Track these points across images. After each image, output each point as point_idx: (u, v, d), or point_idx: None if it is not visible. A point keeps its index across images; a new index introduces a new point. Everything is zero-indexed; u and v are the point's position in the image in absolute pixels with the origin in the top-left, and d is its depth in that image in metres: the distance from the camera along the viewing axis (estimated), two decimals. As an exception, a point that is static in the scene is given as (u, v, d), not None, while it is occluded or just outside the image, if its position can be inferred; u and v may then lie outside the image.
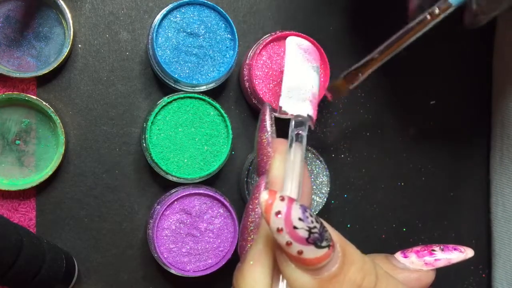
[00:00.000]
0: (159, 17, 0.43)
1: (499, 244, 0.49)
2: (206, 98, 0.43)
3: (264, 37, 0.45)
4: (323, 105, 0.48)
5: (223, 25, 0.44)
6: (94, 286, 0.45)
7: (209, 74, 0.44)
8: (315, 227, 0.24)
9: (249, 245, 0.29)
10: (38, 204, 0.44)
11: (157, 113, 0.42)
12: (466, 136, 0.51)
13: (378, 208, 0.49)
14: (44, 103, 0.42)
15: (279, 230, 0.24)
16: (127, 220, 0.45)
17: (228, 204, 0.44)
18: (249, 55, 0.45)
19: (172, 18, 0.43)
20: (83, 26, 0.45)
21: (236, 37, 0.44)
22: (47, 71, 0.43)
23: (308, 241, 0.24)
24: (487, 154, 0.51)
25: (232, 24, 0.44)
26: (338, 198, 0.49)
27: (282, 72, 0.44)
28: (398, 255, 0.33)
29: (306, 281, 0.25)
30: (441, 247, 0.33)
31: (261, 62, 0.44)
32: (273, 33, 0.44)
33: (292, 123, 0.32)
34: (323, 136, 0.48)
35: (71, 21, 0.43)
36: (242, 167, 0.46)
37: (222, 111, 0.44)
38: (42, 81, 0.44)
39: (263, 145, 0.32)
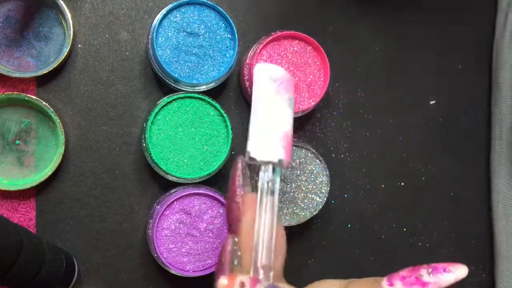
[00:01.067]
0: (159, 17, 0.43)
1: (500, 243, 0.49)
2: (206, 98, 0.43)
3: (264, 37, 0.44)
4: (323, 105, 0.48)
5: (223, 25, 0.44)
6: (94, 286, 0.45)
7: (209, 74, 0.44)
8: None
9: None
10: (38, 204, 0.44)
11: (157, 113, 0.42)
12: (466, 136, 0.51)
13: (378, 208, 0.49)
14: (44, 103, 0.42)
15: None
16: (127, 220, 0.45)
17: (228, 204, 0.44)
18: (249, 55, 0.45)
19: (172, 18, 0.43)
20: (83, 26, 0.45)
21: (236, 37, 0.44)
22: (47, 71, 0.43)
23: None
24: (487, 154, 0.51)
25: (232, 24, 0.44)
26: (338, 198, 0.49)
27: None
28: (384, 283, 0.30)
29: None
30: (429, 270, 0.30)
31: (261, 62, 0.44)
32: (273, 33, 0.44)
33: (261, 170, 0.29)
34: (323, 136, 0.48)
35: (71, 21, 0.43)
36: (242, 167, 0.46)
37: (222, 111, 0.44)
38: (42, 81, 0.44)
39: (233, 209, 0.29)
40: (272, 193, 0.29)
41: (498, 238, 0.49)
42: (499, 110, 0.49)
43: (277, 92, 0.32)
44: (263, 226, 0.27)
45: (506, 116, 0.48)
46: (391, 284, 0.30)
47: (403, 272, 0.30)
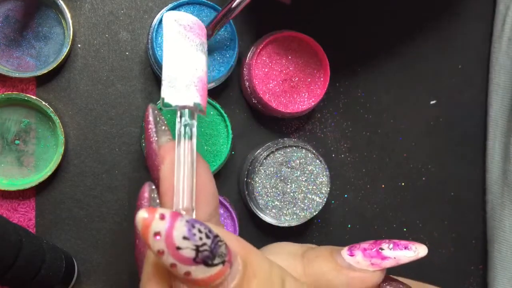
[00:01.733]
0: (159, 16, 0.43)
1: (492, 244, 0.49)
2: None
3: (264, 36, 0.44)
4: (323, 105, 0.48)
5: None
6: (94, 286, 0.45)
7: (209, 74, 0.44)
8: (204, 244, 0.21)
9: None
10: (37, 204, 0.44)
11: (160, 108, 0.42)
12: (466, 136, 0.51)
13: (378, 208, 0.49)
14: (43, 103, 0.42)
15: (160, 253, 0.21)
16: (127, 220, 0.45)
17: (228, 204, 0.44)
18: (249, 55, 0.44)
19: (172, 18, 0.43)
20: (82, 26, 0.45)
21: (236, 37, 0.43)
22: (46, 71, 0.43)
23: (195, 261, 0.21)
24: (487, 153, 0.51)
25: (232, 24, 0.44)
26: (338, 198, 0.49)
27: (282, 71, 0.45)
28: (345, 252, 0.30)
29: None
30: (390, 244, 0.29)
31: (261, 62, 0.44)
32: (273, 33, 0.44)
33: (178, 115, 0.28)
34: (323, 136, 0.48)
35: (70, 21, 0.43)
36: (242, 167, 0.46)
37: (222, 111, 0.43)
38: (42, 81, 0.44)
39: (150, 155, 0.28)
40: (190, 137, 0.27)
41: (490, 238, 0.49)
42: (494, 110, 0.49)
43: (186, 37, 0.31)
44: (183, 171, 0.26)
45: (501, 117, 0.49)
46: (351, 254, 0.30)
47: (365, 244, 0.30)
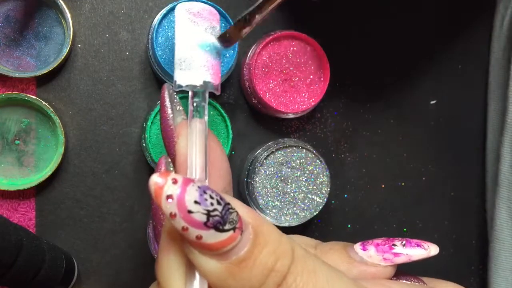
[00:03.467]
0: (158, 17, 0.43)
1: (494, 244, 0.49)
2: (206, 98, 0.43)
3: (264, 36, 0.44)
4: (323, 105, 0.48)
5: (223, 24, 0.44)
6: (94, 286, 0.45)
7: (209, 74, 0.44)
8: (215, 209, 0.22)
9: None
10: (37, 204, 0.44)
11: (157, 113, 0.42)
12: (466, 136, 0.51)
13: (379, 208, 0.49)
14: (43, 103, 0.42)
15: (172, 216, 0.22)
16: (127, 220, 0.45)
17: (228, 204, 0.44)
18: (249, 55, 0.44)
19: (172, 18, 0.43)
20: (82, 26, 0.45)
21: (236, 37, 0.43)
22: (46, 71, 0.43)
23: (206, 225, 0.22)
24: (487, 153, 0.51)
25: (232, 24, 0.43)
26: (338, 198, 0.49)
27: (282, 71, 0.45)
28: (357, 247, 0.30)
29: (212, 267, 0.23)
30: (403, 242, 0.30)
31: (261, 62, 0.44)
32: (273, 33, 0.44)
33: (190, 95, 0.30)
34: (323, 136, 0.48)
35: (70, 21, 0.43)
36: (242, 167, 0.46)
37: (222, 111, 0.43)
38: (42, 81, 0.44)
39: (167, 131, 0.29)
40: (202, 115, 0.29)
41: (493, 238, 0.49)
42: (493, 109, 0.49)
43: (194, 23, 0.32)
44: (195, 146, 0.27)
45: (497, 115, 0.49)
46: (364, 249, 0.30)
47: (378, 240, 0.31)
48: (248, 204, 0.44)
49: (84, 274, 0.44)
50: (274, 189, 0.44)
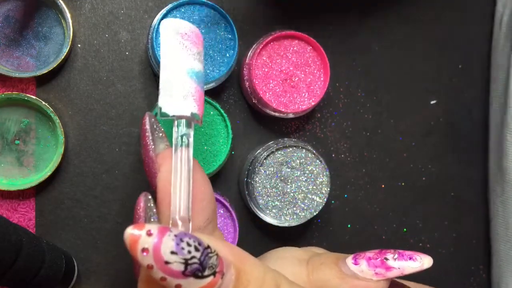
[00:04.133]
0: (159, 16, 0.43)
1: (496, 243, 0.49)
2: (206, 98, 0.43)
3: (264, 36, 0.44)
4: (323, 105, 0.48)
5: (223, 25, 0.44)
6: (94, 286, 0.45)
7: (209, 74, 0.44)
8: (193, 257, 0.22)
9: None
10: (37, 204, 0.44)
11: (157, 113, 0.42)
12: (466, 136, 0.51)
13: (379, 208, 0.49)
14: (43, 103, 0.42)
15: (149, 267, 0.22)
16: (127, 220, 0.45)
17: (228, 204, 0.44)
18: (249, 55, 0.44)
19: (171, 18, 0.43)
20: (82, 26, 0.45)
21: (236, 37, 0.43)
22: (46, 71, 0.43)
23: (185, 274, 0.22)
24: (486, 153, 0.51)
25: (232, 24, 0.44)
26: (338, 198, 0.49)
27: (282, 71, 0.45)
28: (349, 260, 0.30)
29: None
30: (395, 255, 0.30)
31: (261, 62, 0.44)
32: (273, 33, 0.44)
33: (175, 124, 0.29)
34: (323, 136, 0.48)
35: (70, 21, 0.43)
36: (242, 167, 0.46)
37: (222, 111, 0.43)
38: (42, 81, 0.44)
39: (148, 163, 0.29)
40: (187, 146, 0.28)
41: (493, 236, 0.49)
42: (493, 108, 0.49)
43: (184, 46, 0.31)
44: (179, 179, 0.27)
45: (497, 114, 0.49)
46: (356, 263, 0.30)
47: (370, 253, 0.30)
48: (248, 204, 0.44)
49: (84, 274, 0.44)
50: (274, 189, 0.44)
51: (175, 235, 0.22)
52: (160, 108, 0.28)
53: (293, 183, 0.44)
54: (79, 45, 0.45)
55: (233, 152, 0.46)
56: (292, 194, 0.44)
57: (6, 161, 0.43)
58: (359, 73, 0.49)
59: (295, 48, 0.45)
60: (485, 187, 0.51)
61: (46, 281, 0.37)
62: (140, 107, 0.45)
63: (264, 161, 0.44)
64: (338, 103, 0.49)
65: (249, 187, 0.44)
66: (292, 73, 0.44)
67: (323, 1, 0.48)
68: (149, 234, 0.22)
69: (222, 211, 0.43)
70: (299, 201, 0.44)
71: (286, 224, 0.44)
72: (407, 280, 0.33)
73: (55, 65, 0.43)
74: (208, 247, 0.23)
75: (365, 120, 0.49)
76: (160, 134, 0.29)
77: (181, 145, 0.28)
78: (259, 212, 0.44)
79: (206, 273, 0.22)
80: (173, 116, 0.28)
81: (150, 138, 0.29)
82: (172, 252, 0.22)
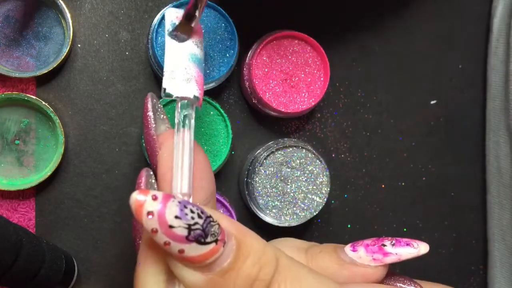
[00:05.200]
0: (159, 16, 0.43)
1: (493, 243, 0.49)
2: (206, 98, 0.43)
3: (264, 36, 0.44)
4: (323, 105, 0.48)
5: (223, 25, 0.44)
6: (94, 286, 0.45)
7: (209, 74, 0.44)
8: (196, 223, 0.23)
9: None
10: (37, 204, 0.44)
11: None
12: (466, 136, 0.51)
13: (379, 208, 0.49)
14: (43, 103, 0.42)
15: (154, 231, 0.22)
16: (127, 220, 0.45)
17: (228, 204, 0.44)
18: (249, 55, 0.44)
19: (172, 18, 0.43)
20: (82, 26, 0.45)
21: (236, 37, 0.43)
22: (46, 71, 0.43)
23: (188, 239, 0.22)
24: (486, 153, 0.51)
25: (232, 24, 0.44)
26: (338, 198, 0.49)
27: (282, 71, 0.45)
28: (347, 248, 0.31)
29: (195, 279, 0.24)
30: (393, 241, 0.30)
31: (261, 61, 0.44)
32: (273, 33, 0.44)
33: (179, 105, 0.30)
34: (323, 136, 0.48)
35: (70, 21, 0.43)
36: (242, 167, 0.46)
37: (222, 111, 0.43)
38: (42, 81, 0.44)
39: (149, 141, 0.29)
40: (189, 126, 0.29)
41: (491, 236, 0.50)
42: (488, 110, 0.50)
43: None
44: (181, 158, 0.27)
45: (493, 116, 0.49)
46: (354, 250, 0.30)
47: (367, 241, 0.31)
48: (248, 204, 0.44)
49: (84, 274, 0.44)
50: (274, 189, 0.44)
51: (179, 202, 0.23)
52: (165, 89, 0.30)
53: (293, 183, 0.44)
54: (79, 45, 0.45)
55: (233, 152, 0.46)
56: (292, 194, 0.44)
57: (6, 161, 0.43)
58: (359, 73, 0.49)
59: (295, 48, 0.45)
60: (485, 187, 0.51)
61: (46, 281, 0.37)
62: (140, 107, 0.45)
63: (264, 161, 0.44)
64: (338, 103, 0.49)
65: (249, 187, 0.44)
66: (292, 73, 0.44)
67: (323, 1, 0.48)
68: (154, 198, 0.22)
69: (222, 211, 0.43)
70: (299, 201, 0.44)
71: (286, 224, 0.44)
72: (408, 274, 0.33)
73: (55, 65, 0.43)
74: (210, 216, 0.23)
75: (365, 120, 0.49)
76: (162, 116, 0.30)
77: (183, 126, 0.28)
78: (259, 212, 0.44)
79: (208, 239, 0.23)
80: (177, 97, 0.30)
81: (152, 117, 0.30)
82: (176, 217, 0.22)
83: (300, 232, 0.48)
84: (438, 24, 0.51)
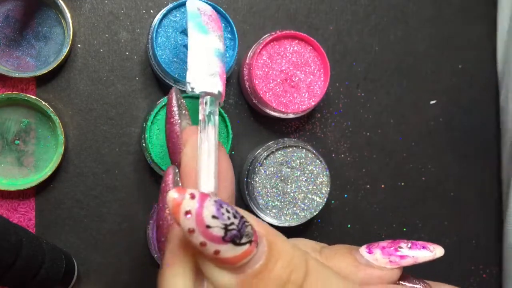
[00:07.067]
0: (159, 16, 0.43)
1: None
2: (206, 98, 0.43)
3: (264, 37, 0.44)
4: (323, 105, 0.48)
5: (223, 25, 0.44)
6: (94, 286, 0.45)
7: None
8: (232, 223, 0.22)
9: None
10: (37, 204, 0.44)
11: (157, 113, 0.42)
12: (466, 136, 0.51)
13: (378, 208, 0.49)
14: (43, 103, 0.42)
15: (191, 231, 0.22)
16: (127, 220, 0.45)
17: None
18: (249, 55, 0.44)
19: (172, 18, 0.43)
20: (82, 26, 0.45)
21: (236, 37, 0.43)
22: (46, 71, 0.43)
23: (224, 239, 0.22)
24: (487, 153, 0.51)
25: (232, 24, 0.43)
26: (338, 198, 0.49)
27: (282, 71, 0.45)
28: (363, 250, 0.30)
29: (227, 281, 0.23)
30: (409, 244, 0.30)
31: (261, 62, 0.44)
32: (273, 33, 0.44)
33: (203, 101, 0.29)
34: (323, 136, 0.48)
35: (70, 21, 0.43)
36: (242, 167, 0.46)
37: (222, 111, 0.43)
38: (42, 81, 0.44)
39: (172, 137, 0.29)
40: (214, 123, 0.28)
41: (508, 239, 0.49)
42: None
43: (210, 27, 0.32)
44: (206, 155, 0.27)
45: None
46: (370, 252, 0.30)
47: (383, 243, 0.31)
48: (248, 204, 0.44)
49: (84, 274, 0.44)
50: (274, 189, 0.44)
51: (215, 201, 0.22)
52: (189, 83, 0.29)
53: (293, 183, 0.44)
54: (79, 45, 0.45)
55: (233, 152, 0.46)
56: (292, 194, 0.44)
57: (6, 161, 0.43)
58: (359, 73, 0.49)
59: (295, 48, 0.45)
60: (485, 187, 0.51)
61: (46, 281, 0.37)
62: (140, 107, 0.45)
63: (264, 161, 0.44)
64: (338, 103, 0.49)
65: (249, 187, 0.44)
66: (292, 73, 0.44)
67: (323, 1, 0.48)
68: (192, 197, 0.22)
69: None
70: (299, 201, 0.44)
71: (286, 224, 0.44)
72: (418, 275, 0.33)
73: (55, 65, 0.43)
74: (243, 216, 0.23)
75: (365, 120, 0.49)
76: (184, 111, 0.30)
77: (209, 123, 0.28)
78: (259, 212, 0.44)
79: (243, 240, 0.22)
80: (201, 92, 0.29)
81: (177, 112, 0.29)
82: (214, 217, 0.22)
83: (300, 232, 0.48)
84: (438, 25, 0.51)
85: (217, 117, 0.28)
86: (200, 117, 0.28)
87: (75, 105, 0.45)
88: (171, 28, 0.43)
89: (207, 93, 0.29)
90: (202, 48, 0.30)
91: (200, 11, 0.32)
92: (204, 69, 0.30)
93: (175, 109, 0.29)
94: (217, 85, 0.29)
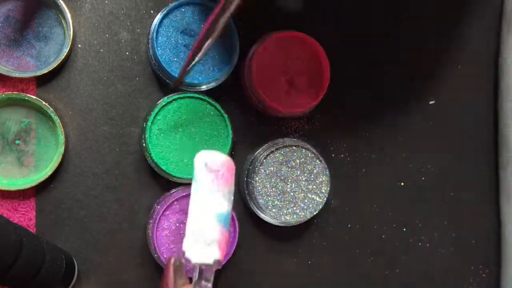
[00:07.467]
0: (159, 16, 0.43)
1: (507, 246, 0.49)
2: (206, 98, 0.43)
3: (264, 36, 0.44)
4: (323, 105, 0.48)
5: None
6: (94, 286, 0.45)
7: (209, 74, 0.44)
8: None
9: None
10: (37, 204, 0.44)
11: (157, 113, 0.42)
12: (466, 136, 0.51)
13: (378, 208, 0.49)
14: (43, 103, 0.42)
15: None
16: (127, 220, 0.45)
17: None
18: (249, 55, 0.44)
19: (172, 18, 0.43)
20: (83, 26, 0.45)
21: (236, 37, 0.43)
22: (46, 71, 0.43)
23: None
24: (487, 153, 0.51)
25: (233, 24, 0.44)
26: (338, 198, 0.49)
27: (282, 71, 0.44)
28: None
29: None
30: None
31: (261, 61, 0.44)
32: (273, 33, 0.44)
33: (197, 271, 0.31)
34: (323, 136, 0.48)
35: (71, 21, 0.43)
36: (242, 167, 0.46)
37: (222, 111, 0.44)
38: (42, 81, 0.44)
39: None
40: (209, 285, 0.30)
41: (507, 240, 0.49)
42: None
43: (216, 188, 0.32)
44: None
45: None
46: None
47: None
48: (248, 204, 0.44)
49: (84, 274, 0.44)
50: (274, 189, 0.44)
51: None
52: (184, 252, 0.31)
53: (293, 183, 0.44)
54: (79, 45, 0.45)
55: (233, 152, 0.46)
56: (292, 194, 0.44)
57: (6, 161, 0.43)
58: (360, 73, 0.49)
59: (295, 48, 0.45)
60: (485, 187, 0.51)
61: (46, 281, 0.37)
62: (140, 107, 0.45)
63: (264, 160, 0.44)
64: (338, 103, 0.49)
65: (249, 186, 0.44)
66: (292, 73, 0.44)
67: (324, 1, 0.48)
68: None
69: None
70: (299, 201, 0.44)
71: (286, 224, 0.44)
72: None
73: (55, 65, 0.43)
74: None
75: (365, 120, 0.49)
76: (180, 273, 0.32)
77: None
78: (259, 212, 0.44)
79: None
80: (195, 263, 0.31)
81: (171, 280, 0.31)
82: None
83: (300, 232, 0.48)
84: (438, 25, 0.51)
85: (210, 284, 0.30)
86: (193, 280, 0.30)
87: (75, 105, 0.45)
88: (171, 28, 0.43)
89: (202, 264, 0.31)
90: (202, 213, 0.31)
91: (207, 167, 0.32)
92: (201, 239, 0.31)
93: (171, 280, 0.31)
94: (213, 255, 0.31)
